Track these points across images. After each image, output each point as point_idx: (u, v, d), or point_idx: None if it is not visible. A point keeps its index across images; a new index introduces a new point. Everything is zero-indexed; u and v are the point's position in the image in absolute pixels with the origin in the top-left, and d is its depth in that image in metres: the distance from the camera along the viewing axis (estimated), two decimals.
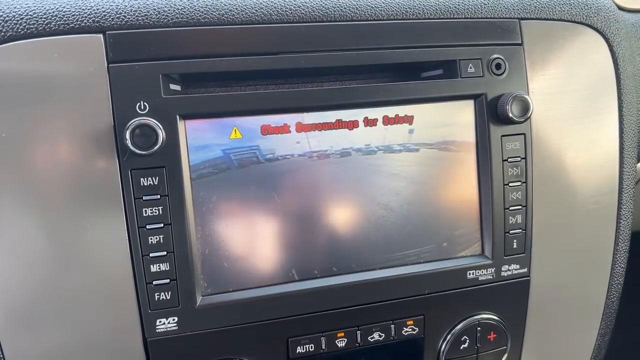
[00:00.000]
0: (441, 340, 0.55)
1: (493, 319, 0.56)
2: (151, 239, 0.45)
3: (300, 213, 0.49)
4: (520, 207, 0.54)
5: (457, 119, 0.52)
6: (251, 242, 0.48)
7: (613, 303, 0.63)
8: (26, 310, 0.45)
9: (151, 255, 0.45)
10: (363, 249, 0.51)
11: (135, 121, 0.43)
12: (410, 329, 0.53)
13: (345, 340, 0.51)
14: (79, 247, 0.45)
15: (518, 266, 0.55)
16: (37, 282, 0.44)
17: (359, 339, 0.52)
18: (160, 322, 0.46)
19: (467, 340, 0.55)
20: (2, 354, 0.45)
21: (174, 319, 0.47)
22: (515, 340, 0.58)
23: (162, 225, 0.45)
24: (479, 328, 0.55)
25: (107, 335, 0.46)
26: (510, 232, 0.54)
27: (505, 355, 0.57)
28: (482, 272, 0.54)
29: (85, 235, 0.45)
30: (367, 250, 0.51)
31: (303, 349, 0.50)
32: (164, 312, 0.46)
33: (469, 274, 0.54)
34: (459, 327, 0.55)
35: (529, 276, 0.56)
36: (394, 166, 0.51)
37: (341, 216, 0.50)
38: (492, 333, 0.56)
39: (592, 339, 0.63)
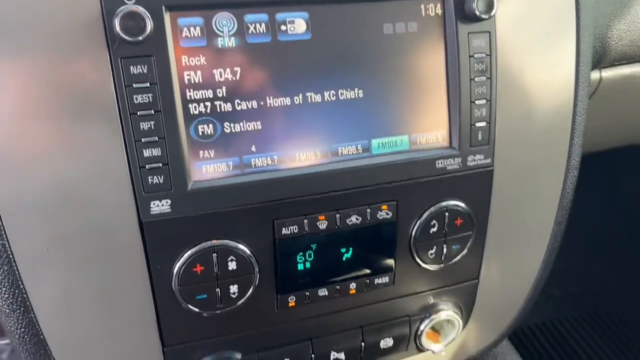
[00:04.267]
0: (412, 225, 0.60)
1: (460, 206, 0.61)
2: (142, 125, 0.48)
3: (284, 98, 0.52)
4: (485, 100, 0.58)
5: (428, 14, 0.56)
6: (238, 126, 0.51)
7: (567, 198, 0.68)
8: (27, 198, 0.47)
9: (143, 140, 0.48)
10: (341, 134, 0.55)
11: (123, 8, 0.45)
12: (384, 213, 0.58)
13: (326, 223, 0.56)
14: (74, 135, 0.47)
15: (482, 156, 0.60)
16: (36, 175, 0.47)
17: (338, 222, 0.56)
18: (154, 204, 0.50)
19: (436, 225, 0.60)
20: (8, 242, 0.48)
21: (167, 202, 0.50)
22: (480, 227, 0.63)
23: (152, 112, 0.48)
24: (446, 214, 0.60)
25: (105, 219, 0.49)
26: (476, 124, 0.58)
27: (471, 240, 0.63)
28: (450, 161, 0.59)
29: (78, 123, 0.47)
30: (348, 137, 0.55)
31: (288, 231, 0.54)
32: (157, 195, 0.50)
33: (438, 163, 0.58)
34: (428, 212, 0.59)
35: (492, 166, 0.61)
36: (366, 53, 0.54)
37: (315, 101, 0.53)
38: (459, 218, 0.61)
39: (548, 232, 0.69)
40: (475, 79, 0.58)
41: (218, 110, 0.51)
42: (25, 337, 0.50)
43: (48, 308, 0.50)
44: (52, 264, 0.49)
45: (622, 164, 1.51)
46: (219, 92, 0.50)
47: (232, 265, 0.53)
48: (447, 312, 0.64)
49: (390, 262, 0.60)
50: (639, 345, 1.57)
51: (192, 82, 0.49)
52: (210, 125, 0.51)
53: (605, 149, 1.05)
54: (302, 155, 0.54)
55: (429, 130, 0.58)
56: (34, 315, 0.50)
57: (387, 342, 0.64)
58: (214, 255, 0.52)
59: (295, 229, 0.55)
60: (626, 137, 1.04)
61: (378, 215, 0.57)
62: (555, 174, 0.66)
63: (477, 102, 0.58)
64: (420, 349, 0.66)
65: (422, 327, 0.65)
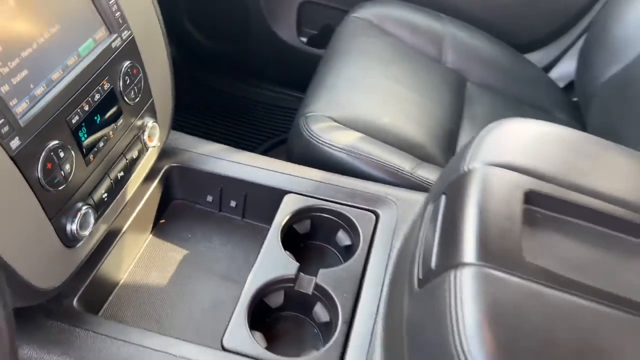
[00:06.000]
0: (118, 83, 1.02)
1: (132, 63, 1.05)
2: None
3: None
4: None
5: None
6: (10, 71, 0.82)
7: None
8: None
9: None
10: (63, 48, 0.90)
11: None
12: (107, 86, 0.98)
13: (89, 106, 0.94)
14: None
15: (121, 34, 1.03)
16: None
17: (93, 101, 0.95)
18: (12, 143, 0.79)
19: (127, 79, 1.04)
20: None
21: (17, 139, 0.80)
22: (141, 63, 1.09)
23: None
24: (129, 70, 1.04)
25: None
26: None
27: (142, 75, 1.09)
28: (114, 43, 1.00)
29: None
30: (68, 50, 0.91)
31: (74, 120, 0.91)
32: (10, 138, 0.79)
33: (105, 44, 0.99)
34: (122, 73, 1.02)
35: (133, 35, 1.05)
36: None
37: None
38: (134, 70, 1.06)
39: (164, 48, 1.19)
40: None
41: None
42: None
43: None
44: None
45: None
46: None
47: (62, 154, 0.88)
48: (152, 122, 1.13)
49: (120, 108, 1.03)
50: None
51: None
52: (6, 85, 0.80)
53: None
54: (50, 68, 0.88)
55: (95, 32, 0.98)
56: None
57: (134, 154, 1.09)
58: (52, 154, 0.86)
59: (77, 117, 0.91)
60: None
61: (106, 87, 0.98)
62: None
63: None
64: (146, 148, 1.14)
65: (144, 137, 1.12)
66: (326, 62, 1.74)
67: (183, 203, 1.31)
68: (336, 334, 0.98)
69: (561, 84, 2.01)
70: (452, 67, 1.85)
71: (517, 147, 0.96)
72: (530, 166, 0.92)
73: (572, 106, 1.92)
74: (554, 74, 2.03)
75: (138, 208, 1.19)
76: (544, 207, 0.89)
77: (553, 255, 0.83)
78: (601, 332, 0.74)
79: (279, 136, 2.28)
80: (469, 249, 0.79)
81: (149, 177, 1.21)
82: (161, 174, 1.26)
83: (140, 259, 1.21)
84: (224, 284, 1.18)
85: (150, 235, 1.27)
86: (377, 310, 1.01)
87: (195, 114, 2.31)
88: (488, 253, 0.78)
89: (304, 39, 2.31)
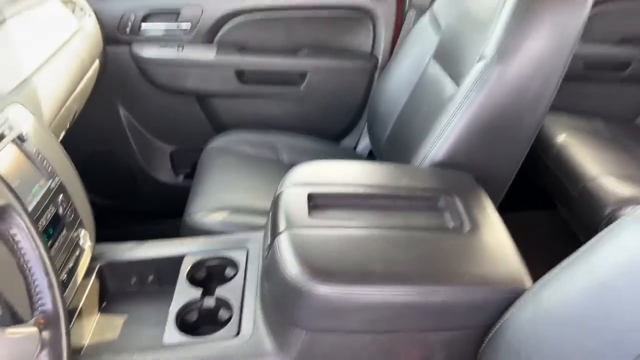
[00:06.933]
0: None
1: (64, 194, 1.66)
2: None
3: None
4: None
5: None
6: None
7: None
8: None
9: None
10: None
11: None
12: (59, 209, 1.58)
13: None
14: None
15: None
16: None
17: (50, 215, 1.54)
18: None
19: (60, 207, 1.64)
20: None
21: None
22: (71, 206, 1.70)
23: None
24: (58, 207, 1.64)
25: None
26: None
27: (68, 203, 1.69)
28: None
29: None
30: None
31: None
32: None
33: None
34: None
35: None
36: None
37: None
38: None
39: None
40: None
41: None
42: None
43: None
44: None
45: None
46: None
47: None
48: (84, 231, 1.71)
49: (63, 223, 1.61)
50: None
51: None
52: None
53: None
54: None
55: None
56: None
57: (77, 252, 1.66)
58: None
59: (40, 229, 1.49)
60: None
61: (52, 211, 1.57)
62: None
63: None
64: (83, 249, 1.71)
65: (80, 241, 1.69)
66: (196, 180, 2.43)
67: (116, 292, 1.85)
68: (234, 315, 1.56)
69: (366, 153, 2.84)
70: (288, 162, 2.61)
71: (305, 174, 1.69)
72: (311, 181, 1.64)
73: None
74: (359, 148, 2.88)
75: (85, 294, 1.73)
76: (322, 198, 1.59)
77: (329, 217, 1.53)
78: (360, 241, 1.42)
79: None
80: (281, 224, 1.46)
81: (88, 274, 1.77)
82: (96, 270, 1.81)
83: (96, 328, 1.72)
84: (160, 327, 1.71)
85: (98, 315, 1.79)
86: (256, 294, 1.61)
87: None
88: (291, 223, 1.46)
89: (181, 177, 3.01)
